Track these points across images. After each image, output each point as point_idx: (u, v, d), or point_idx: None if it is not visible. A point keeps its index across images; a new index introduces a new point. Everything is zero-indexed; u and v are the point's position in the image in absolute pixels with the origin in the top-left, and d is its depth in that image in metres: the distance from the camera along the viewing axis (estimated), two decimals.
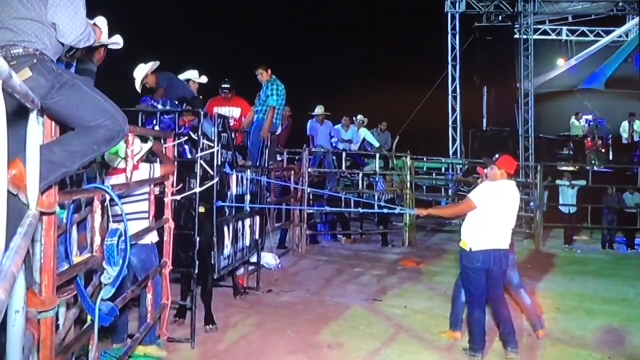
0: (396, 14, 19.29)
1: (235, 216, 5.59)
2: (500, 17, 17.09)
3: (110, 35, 3.02)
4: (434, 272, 8.19)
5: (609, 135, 16.25)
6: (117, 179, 3.85)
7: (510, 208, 4.62)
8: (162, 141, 4.56)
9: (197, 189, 4.71)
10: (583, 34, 19.16)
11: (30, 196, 2.01)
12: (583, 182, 11.78)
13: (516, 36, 16.59)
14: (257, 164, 6.66)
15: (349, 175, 12.22)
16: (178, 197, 4.67)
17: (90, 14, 2.64)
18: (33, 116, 1.99)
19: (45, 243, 2.35)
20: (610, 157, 15.92)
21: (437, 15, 18.00)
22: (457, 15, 17.83)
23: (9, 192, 1.66)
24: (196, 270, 4.73)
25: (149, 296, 4.19)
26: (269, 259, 7.57)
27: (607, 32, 18.80)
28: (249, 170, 6.05)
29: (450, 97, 17.88)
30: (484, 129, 17.32)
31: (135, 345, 3.95)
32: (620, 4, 17.42)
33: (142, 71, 6.05)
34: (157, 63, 6.14)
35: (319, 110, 11.15)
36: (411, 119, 16.08)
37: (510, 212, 4.62)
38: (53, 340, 2.43)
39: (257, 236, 6.46)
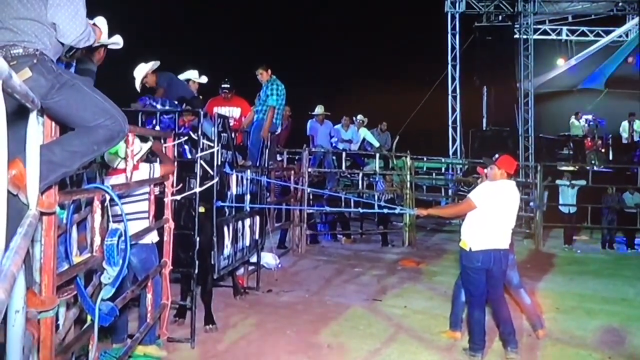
0: (396, 14, 19.30)
1: (235, 216, 5.59)
2: (500, 17, 17.09)
3: (110, 35, 3.02)
4: (434, 272, 8.19)
5: (609, 135, 16.25)
6: (117, 179, 3.85)
7: (510, 208, 4.62)
8: (162, 141, 4.56)
9: (197, 189, 4.71)
10: (583, 34, 19.17)
11: (30, 196, 2.01)
12: (583, 182, 11.78)
13: (516, 36, 16.59)
14: (257, 164, 6.66)
15: (349, 175, 12.22)
16: (178, 197, 4.67)
17: (90, 14, 2.64)
18: (33, 116, 1.99)
19: (45, 243, 2.35)
20: (610, 157, 15.92)
21: (437, 15, 18.02)
22: (457, 15, 17.83)
23: (9, 192, 1.66)
24: (196, 270, 4.73)
25: (149, 296, 4.19)
26: (269, 259, 7.58)
27: (607, 32, 18.82)
28: (249, 170, 6.05)
29: (450, 97, 17.88)
30: (484, 129, 17.32)
31: (135, 345, 3.95)
32: (620, 4, 17.43)
33: (142, 71, 6.05)
34: (158, 63, 6.14)
35: (319, 110, 11.15)
36: (411, 119, 16.08)
37: (510, 212, 4.62)
38: (53, 340, 2.43)
39: (257, 236, 6.46)
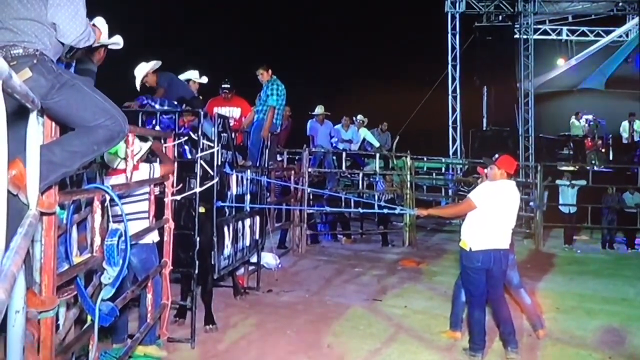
0: (396, 14, 19.31)
1: (235, 216, 5.59)
2: (500, 17, 17.10)
3: (110, 35, 3.02)
4: (434, 272, 8.19)
5: (609, 135, 16.25)
6: (117, 179, 3.85)
7: (510, 208, 4.62)
8: (162, 141, 4.56)
9: (197, 189, 4.71)
10: (583, 34, 19.18)
11: (30, 196, 2.01)
12: (583, 182, 11.78)
13: (516, 36, 16.59)
14: (257, 164, 6.66)
15: (349, 175, 12.22)
16: (178, 197, 4.67)
17: (91, 14, 2.64)
18: (33, 116, 1.99)
19: (45, 243, 2.35)
20: (611, 157, 15.92)
21: (437, 15, 18.03)
22: (457, 15, 17.84)
23: (9, 192, 1.66)
24: (196, 271, 4.73)
25: (149, 296, 4.19)
26: (269, 259, 7.57)
27: (607, 32, 18.83)
28: (249, 171, 6.05)
29: (450, 97, 17.89)
30: (484, 129, 17.33)
31: (135, 346, 3.95)
32: (620, 4, 17.43)
33: (143, 70, 6.04)
34: (159, 63, 6.13)
35: (319, 110, 11.15)
36: (411, 119, 16.09)
37: (510, 212, 4.62)
38: (53, 340, 2.43)
39: (257, 236, 6.45)
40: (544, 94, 17.94)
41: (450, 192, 15.27)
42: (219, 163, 4.99)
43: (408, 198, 10.68)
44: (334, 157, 11.20)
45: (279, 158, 9.44)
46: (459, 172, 16.46)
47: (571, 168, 13.16)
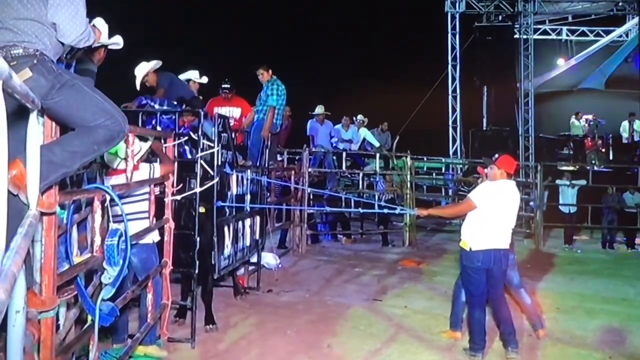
0: (396, 14, 19.31)
1: (235, 216, 5.59)
2: (500, 17, 17.10)
3: (110, 35, 3.02)
4: (434, 272, 8.19)
5: (609, 135, 16.25)
6: (117, 179, 3.85)
7: (510, 208, 4.62)
8: (163, 141, 4.56)
9: (198, 189, 4.71)
10: (583, 33, 19.18)
11: (30, 196, 2.01)
12: (583, 182, 11.78)
13: (516, 36, 16.59)
14: (258, 164, 6.66)
15: (349, 175, 12.22)
16: (178, 197, 4.67)
17: (91, 15, 2.64)
18: (33, 116, 1.99)
19: (45, 243, 2.35)
20: (611, 157, 15.92)
21: (437, 15, 18.03)
22: (457, 15, 17.85)
23: (9, 192, 1.66)
24: (196, 270, 4.73)
25: (150, 296, 4.19)
26: (269, 259, 7.57)
27: (607, 32, 18.83)
28: (249, 170, 6.05)
29: (450, 97, 17.89)
30: (484, 128, 17.34)
31: (135, 346, 3.95)
32: (620, 3, 17.43)
33: (143, 69, 6.03)
34: (160, 63, 6.13)
35: (319, 110, 11.14)
36: (411, 119, 16.09)
37: (510, 212, 4.62)
38: (53, 340, 2.43)
39: (257, 236, 6.45)
40: (544, 94, 17.95)
41: (450, 192, 15.27)
42: (219, 163, 4.99)
43: (408, 198, 10.68)
44: (334, 157, 11.20)
45: (279, 158, 9.44)
46: (459, 172, 16.46)
47: (571, 168, 13.16)
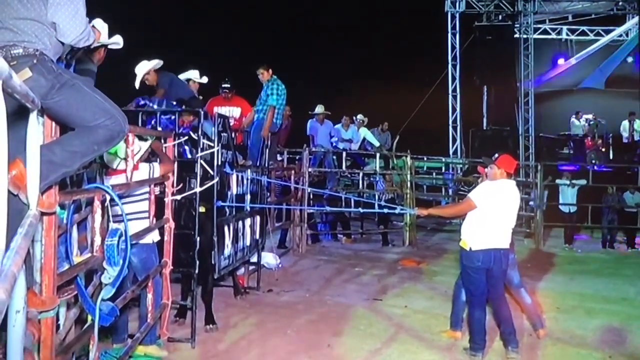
0: (396, 14, 19.29)
1: (235, 216, 5.59)
2: (500, 17, 17.11)
3: (110, 35, 3.03)
4: (434, 271, 8.19)
5: (610, 135, 16.24)
6: (117, 179, 3.85)
7: (511, 207, 4.62)
8: (163, 141, 4.56)
9: (198, 189, 4.71)
10: (583, 33, 19.16)
11: (30, 196, 2.01)
12: (583, 182, 11.78)
13: (516, 35, 16.60)
14: (258, 163, 6.66)
15: (349, 175, 12.22)
16: (178, 197, 4.67)
17: (91, 15, 2.64)
18: (33, 116, 1.99)
19: (45, 243, 2.35)
20: (611, 157, 15.91)
21: (437, 15, 18.04)
22: (457, 15, 17.85)
23: (9, 192, 1.66)
24: (197, 270, 4.73)
25: (150, 296, 4.19)
26: (269, 258, 7.57)
27: (607, 32, 18.81)
28: (249, 170, 6.05)
29: (450, 96, 17.89)
30: (484, 128, 17.34)
31: (135, 345, 3.95)
32: (620, 3, 17.42)
33: (144, 68, 6.03)
34: (161, 62, 6.13)
35: (319, 109, 11.14)
36: (411, 119, 16.08)
37: (511, 212, 4.62)
38: (54, 340, 2.43)
39: (257, 236, 6.46)
40: (544, 94, 17.95)
41: (450, 191, 15.26)
42: (219, 163, 4.99)
43: (408, 198, 10.69)
44: (334, 157, 11.20)
45: (279, 158, 9.45)
46: (459, 171, 16.46)
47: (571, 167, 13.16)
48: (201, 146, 4.74)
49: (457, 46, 17.81)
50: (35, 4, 2.37)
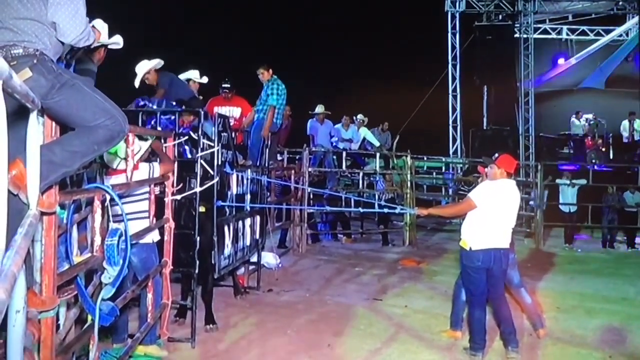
0: (396, 13, 19.29)
1: (235, 216, 5.59)
2: (500, 17, 17.11)
3: (110, 35, 3.03)
4: (434, 271, 8.19)
5: (610, 134, 16.25)
6: (117, 179, 3.85)
7: (511, 207, 4.62)
8: (163, 140, 4.56)
9: (198, 189, 4.71)
10: (583, 33, 19.16)
11: (30, 196, 2.01)
12: (583, 181, 11.79)
13: (516, 35, 16.60)
14: (258, 163, 6.66)
15: (349, 175, 12.22)
16: (178, 197, 4.68)
17: (91, 15, 2.64)
18: (33, 116, 1.99)
19: (45, 243, 2.35)
20: (611, 156, 15.91)
21: (437, 14, 18.04)
22: (457, 15, 17.85)
23: (9, 192, 1.66)
24: (197, 270, 4.73)
25: (150, 296, 4.19)
26: (269, 258, 7.57)
27: (608, 31, 18.81)
28: (249, 170, 6.05)
29: (450, 96, 17.89)
30: (485, 128, 17.35)
31: (135, 345, 3.95)
32: (620, 3, 17.41)
33: (144, 67, 6.02)
34: (162, 62, 6.13)
35: (320, 109, 11.13)
36: (411, 119, 16.08)
37: (511, 211, 4.62)
38: (54, 340, 2.43)
39: (257, 236, 6.46)
40: (544, 93, 17.95)
41: (450, 191, 15.26)
42: (219, 163, 4.99)
43: (408, 197, 10.68)
44: (334, 157, 11.20)
45: (279, 157, 9.44)
46: (459, 171, 16.46)
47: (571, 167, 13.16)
48: (201, 146, 4.74)
49: (457, 46, 17.81)
50: (35, 4, 2.37)
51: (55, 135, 2.43)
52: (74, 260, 3.01)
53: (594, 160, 14.82)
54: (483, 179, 4.95)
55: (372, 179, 12.02)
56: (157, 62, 6.07)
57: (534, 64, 16.68)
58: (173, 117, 5.04)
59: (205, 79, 7.05)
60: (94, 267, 3.05)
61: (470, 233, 4.61)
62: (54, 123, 2.42)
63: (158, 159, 4.36)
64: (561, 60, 19.02)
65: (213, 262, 4.99)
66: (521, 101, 16.40)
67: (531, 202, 11.60)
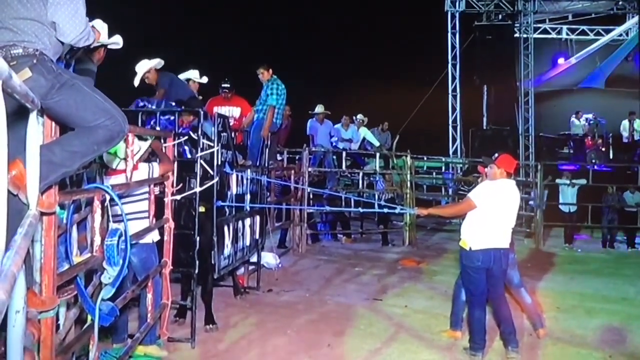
0: (396, 13, 19.29)
1: (235, 216, 5.59)
2: (500, 16, 17.12)
3: (110, 35, 3.03)
4: (434, 271, 8.19)
5: (609, 134, 16.25)
6: (117, 179, 3.85)
7: (510, 207, 4.62)
8: (162, 141, 4.56)
9: (197, 189, 4.71)
10: (583, 32, 19.17)
11: (30, 196, 2.01)
12: (583, 181, 11.79)
13: (516, 35, 16.61)
14: (257, 163, 6.66)
15: (349, 175, 12.22)
16: (178, 197, 4.67)
17: (91, 15, 2.64)
18: (33, 116, 1.99)
19: (45, 243, 2.35)
20: (611, 156, 15.91)
21: (437, 14, 18.04)
22: (457, 15, 17.86)
23: (9, 192, 1.66)
24: (196, 270, 4.73)
25: (149, 296, 4.19)
26: (269, 258, 7.57)
27: (607, 31, 18.82)
28: (249, 170, 6.05)
29: (450, 96, 17.90)
30: (484, 128, 17.35)
31: (135, 345, 3.95)
32: (620, 2, 17.41)
33: (145, 67, 6.02)
34: (162, 62, 6.12)
35: (319, 109, 11.14)
36: (411, 118, 16.09)
37: (510, 211, 4.62)
38: (53, 340, 2.43)
39: (257, 236, 6.46)
40: (544, 93, 17.95)
41: (450, 191, 15.26)
42: (219, 163, 4.99)
43: (408, 197, 10.68)
44: (334, 157, 11.21)
45: (279, 157, 9.44)
46: (459, 171, 16.46)
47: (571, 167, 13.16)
48: (201, 146, 4.74)
49: (457, 46, 17.81)
50: (35, 4, 2.37)
51: (55, 135, 2.43)
52: (74, 260, 3.01)
53: (593, 160, 14.82)
54: (483, 178, 4.94)
55: (372, 179, 12.02)
56: (157, 62, 6.07)
57: (534, 64, 16.69)
58: (172, 118, 5.03)
59: (205, 79, 7.05)
60: (93, 267, 3.05)
61: (470, 233, 4.61)
62: (53, 123, 2.42)
63: (158, 159, 4.35)
64: (561, 60, 19.02)
65: (213, 262, 4.99)
66: (521, 101, 16.41)
67: (531, 202, 11.60)
